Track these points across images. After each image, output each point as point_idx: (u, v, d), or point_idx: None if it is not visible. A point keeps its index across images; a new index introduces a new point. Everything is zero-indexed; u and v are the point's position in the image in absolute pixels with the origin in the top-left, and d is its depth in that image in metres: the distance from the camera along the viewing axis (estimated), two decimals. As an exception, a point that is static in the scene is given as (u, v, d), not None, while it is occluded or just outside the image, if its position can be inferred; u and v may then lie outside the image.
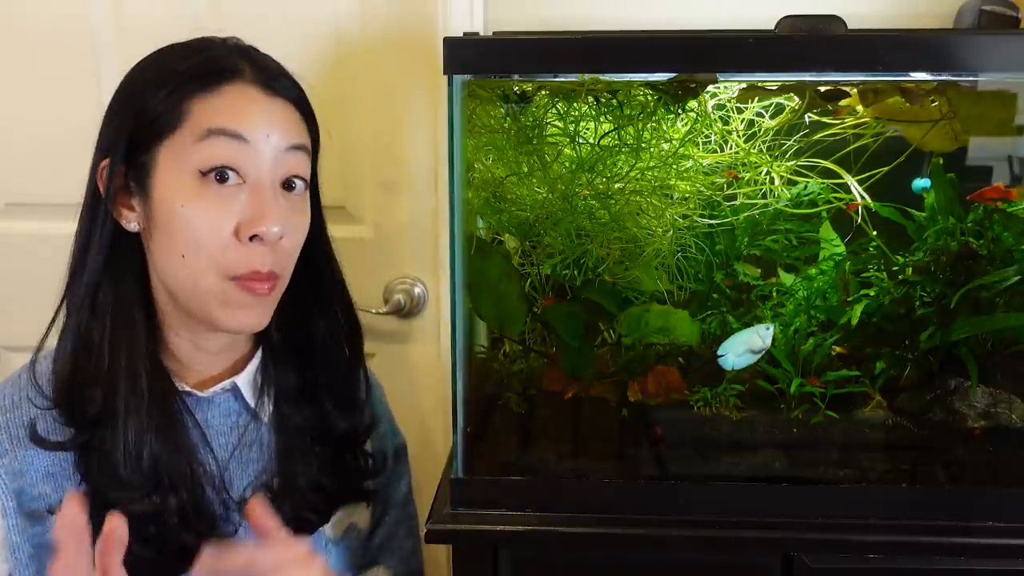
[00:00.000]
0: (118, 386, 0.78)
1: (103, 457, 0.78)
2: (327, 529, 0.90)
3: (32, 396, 0.80)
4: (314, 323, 0.89)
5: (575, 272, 1.08)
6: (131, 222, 0.79)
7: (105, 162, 0.78)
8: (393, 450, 1.03)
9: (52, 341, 0.82)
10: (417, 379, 1.36)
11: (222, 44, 0.81)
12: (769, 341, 0.97)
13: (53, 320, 0.82)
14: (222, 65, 0.78)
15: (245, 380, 0.86)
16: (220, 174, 0.75)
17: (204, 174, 0.75)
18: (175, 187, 0.75)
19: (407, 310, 1.33)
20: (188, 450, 0.81)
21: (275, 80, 0.80)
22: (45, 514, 0.80)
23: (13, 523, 0.79)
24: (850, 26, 0.90)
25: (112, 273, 0.80)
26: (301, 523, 0.87)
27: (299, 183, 0.81)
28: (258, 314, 0.80)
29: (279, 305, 0.84)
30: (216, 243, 0.75)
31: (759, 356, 0.98)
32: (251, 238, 0.76)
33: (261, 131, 0.77)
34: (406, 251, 1.33)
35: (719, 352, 0.97)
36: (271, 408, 0.88)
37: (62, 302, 0.81)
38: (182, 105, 0.76)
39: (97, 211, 0.79)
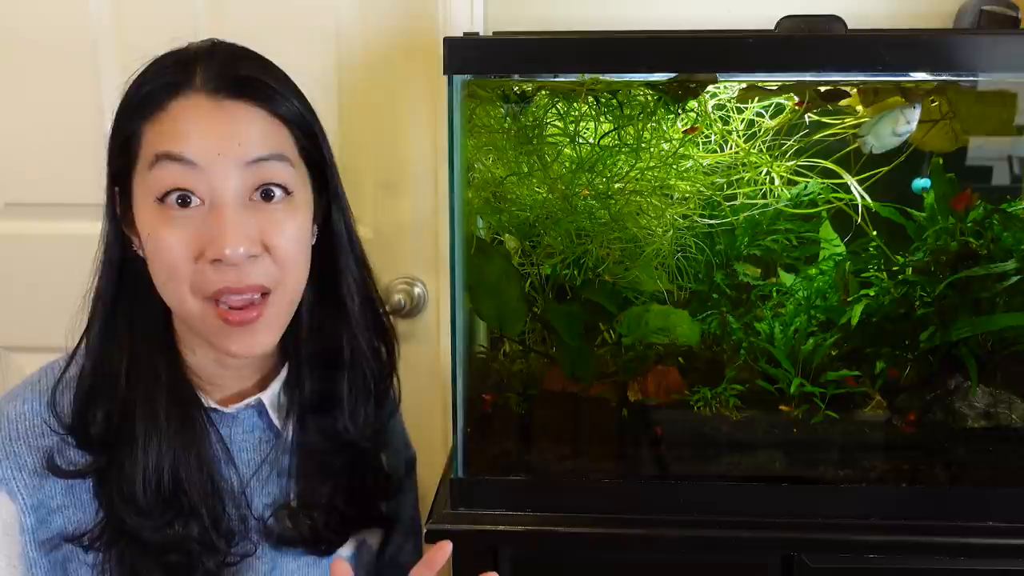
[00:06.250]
0: (135, 409, 0.78)
1: (121, 484, 0.77)
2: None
3: (49, 420, 0.79)
4: (340, 335, 0.86)
5: (575, 272, 1.07)
6: (138, 248, 0.78)
7: (107, 185, 0.78)
8: (405, 463, 1.03)
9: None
10: (417, 379, 1.36)
11: (184, 51, 0.76)
12: (915, 123, 0.89)
13: (77, 347, 0.82)
14: (170, 79, 0.74)
15: (270, 397, 0.85)
16: (181, 198, 0.72)
17: (161, 200, 0.73)
18: (144, 216, 0.74)
19: (407, 310, 1.33)
20: (210, 465, 0.81)
21: (234, 84, 0.74)
22: (62, 542, 0.78)
23: (31, 539, 0.77)
24: (850, 26, 0.90)
25: (129, 296, 0.79)
26: (319, 543, 0.87)
27: (278, 191, 0.75)
28: (263, 334, 0.77)
29: (307, 318, 0.83)
30: (185, 268, 0.73)
31: (904, 138, 0.91)
32: (215, 260, 0.73)
33: (210, 150, 0.72)
34: (406, 251, 1.33)
35: (860, 133, 0.90)
36: (294, 426, 0.86)
37: (87, 326, 0.80)
38: (139, 131, 0.73)
39: (108, 232, 0.79)
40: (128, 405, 0.78)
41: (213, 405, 0.83)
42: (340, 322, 0.85)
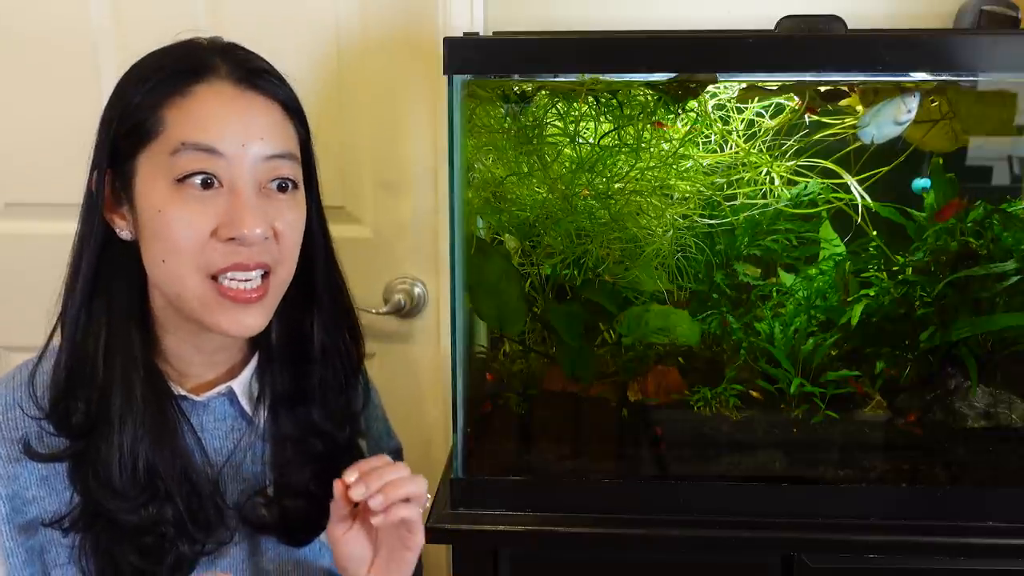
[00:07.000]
0: (112, 393, 0.78)
1: (97, 466, 0.77)
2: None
3: (26, 406, 0.79)
4: (311, 327, 0.88)
5: (575, 272, 1.08)
6: (123, 230, 0.79)
7: (96, 170, 0.78)
8: (389, 454, 1.03)
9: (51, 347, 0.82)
10: (417, 379, 1.36)
11: (200, 43, 0.80)
12: (914, 112, 0.90)
13: (54, 330, 0.82)
14: (195, 64, 0.76)
15: (241, 385, 0.86)
16: (205, 181, 0.74)
17: (180, 180, 0.74)
18: (154, 194, 0.75)
19: (407, 310, 1.33)
20: (183, 455, 0.81)
21: (255, 76, 0.78)
22: (39, 527, 0.79)
23: (7, 528, 0.79)
24: (850, 26, 0.90)
25: (107, 281, 0.80)
26: (296, 531, 0.87)
27: (290, 184, 0.80)
28: (255, 315, 0.79)
29: (277, 309, 0.84)
30: (194, 245, 0.75)
31: (903, 128, 0.93)
32: (230, 239, 0.75)
33: (236, 140, 0.75)
34: (406, 251, 1.33)
35: (859, 123, 0.91)
36: (266, 414, 0.87)
37: (62, 312, 0.81)
38: (157, 113, 0.75)
39: (90, 219, 0.79)
40: (105, 386, 0.78)
41: (184, 393, 0.83)
42: (311, 316, 0.88)
